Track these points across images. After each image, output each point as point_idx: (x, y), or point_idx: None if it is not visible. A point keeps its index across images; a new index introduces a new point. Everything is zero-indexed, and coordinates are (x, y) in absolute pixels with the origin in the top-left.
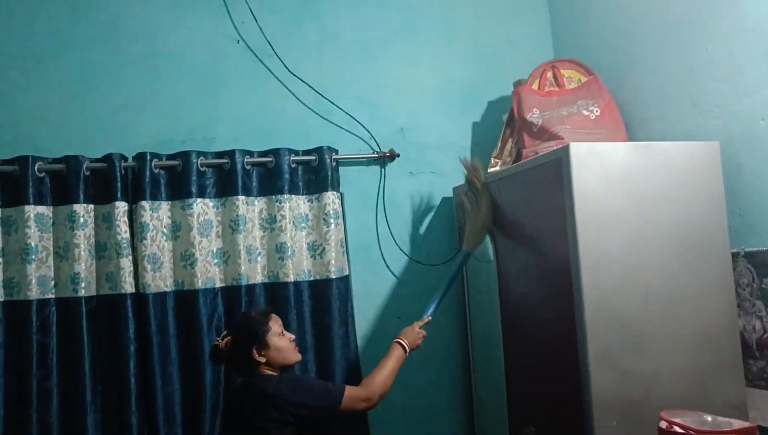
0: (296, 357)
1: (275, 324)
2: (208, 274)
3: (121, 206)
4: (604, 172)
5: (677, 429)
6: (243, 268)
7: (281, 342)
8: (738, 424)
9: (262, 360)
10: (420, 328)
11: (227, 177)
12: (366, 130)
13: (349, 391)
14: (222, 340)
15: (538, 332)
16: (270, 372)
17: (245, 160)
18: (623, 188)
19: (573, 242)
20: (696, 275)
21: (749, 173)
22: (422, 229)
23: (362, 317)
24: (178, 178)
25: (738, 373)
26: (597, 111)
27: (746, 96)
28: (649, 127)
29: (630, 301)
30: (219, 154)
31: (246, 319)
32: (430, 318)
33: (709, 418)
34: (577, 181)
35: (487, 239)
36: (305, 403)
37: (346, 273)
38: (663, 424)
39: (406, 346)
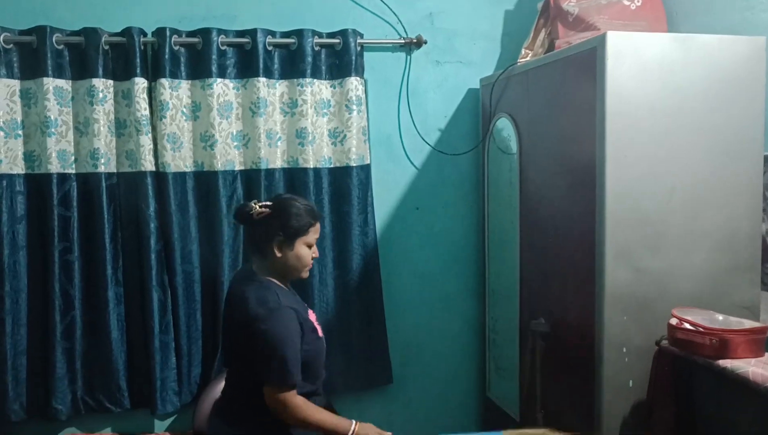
0: (303, 275)
1: (314, 233)
2: (228, 156)
3: (141, 83)
4: (640, 64)
5: (687, 326)
6: (263, 152)
7: (304, 252)
8: (748, 324)
9: (278, 255)
10: None
11: (248, 57)
12: (393, 13)
13: (289, 392)
14: (259, 207)
15: (555, 226)
16: (273, 279)
17: (267, 40)
18: (658, 83)
19: (600, 136)
20: (724, 176)
21: None
22: (446, 121)
23: (381, 206)
24: (198, 57)
25: (755, 276)
26: (638, 1)
27: None
28: (692, 20)
29: (654, 198)
30: (240, 33)
31: (294, 208)
32: None
33: (720, 317)
34: (611, 73)
35: (512, 130)
36: (261, 356)
37: (368, 162)
38: (674, 321)
39: (353, 431)
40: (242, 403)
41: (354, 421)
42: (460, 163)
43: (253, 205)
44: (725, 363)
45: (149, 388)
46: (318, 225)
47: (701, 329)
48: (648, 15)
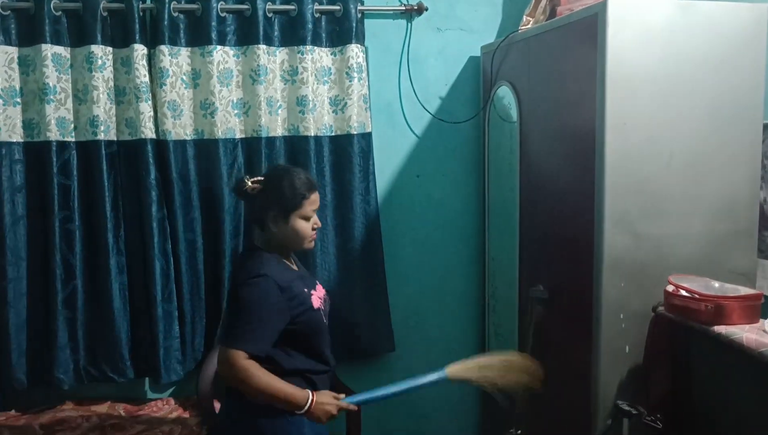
0: (306, 246)
1: (310, 205)
2: (228, 124)
3: (140, 49)
4: (642, 31)
5: (683, 293)
6: (263, 120)
7: (301, 225)
8: (744, 290)
9: (274, 230)
10: (339, 410)
11: (248, 24)
12: None
13: (237, 352)
14: (251, 182)
15: (555, 193)
16: (272, 251)
17: (267, 6)
18: (660, 49)
19: (600, 103)
20: (723, 143)
21: None
22: (447, 88)
23: (382, 174)
24: (198, 23)
25: (752, 243)
26: None
27: None
28: None
29: (653, 164)
30: (240, 0)
31: (287, 181)
32: (355, 408)
33: (716, 284)
34: (612, 39)
35: (512, 98)
36: (229, 319)
37: (369, 129)
38: (670, 288)
39: (309, 403)
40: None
41: (310, 393)
42: (461, 131)
43: (245, 180)
44: (720, 329)
45: (153, 357)
46: (314, 196)
47: (697, 296)
48: None
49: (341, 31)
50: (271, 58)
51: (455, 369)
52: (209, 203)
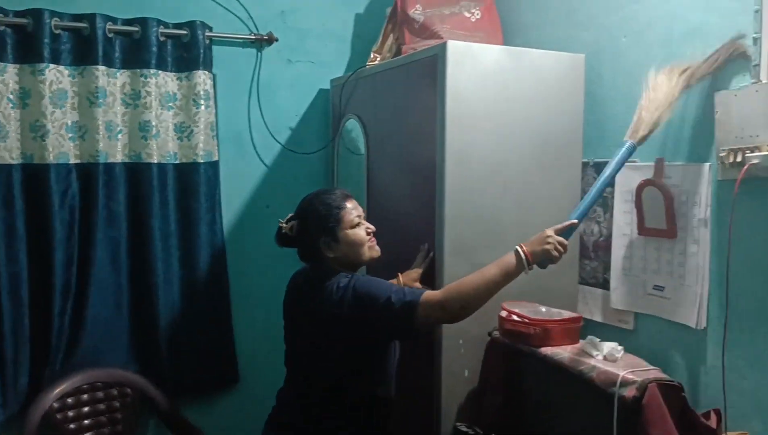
0: (372, 254)
1: (349, 214)
2: (62, 148)
3: None
4: (477, 73)
5: (515, 317)
6: (101, 145)
7: (352, 235)
8: (567, 314)
9: (330, 255)
10: (559, 232)
11: (86, 43)
12: (244, 8)
13: (426, 293)
14: (286, 223)
15: (400, 224)
16: (340, 268)
17: (107, 26)
18: (493, 91)
19: (441, 138)
20: (550, 179)
21: (609, 87)
22: (297, 119)
23: (230, 204)
24: (29, 39)
25: (573, 271)
26: (478, 14)
27: (614, 11)
28: (525, 34)
29: (489, 197)
30: (77, 17)
31: (316, 204)
32: (575, 222)
33: (543, 309)
34: (451, 79)
35: (360, 131)
36: (374, 308)
37: (216, 158)
38: (503, 313)
39: (522, 253)
40: (319, 405)
41: (516, 250)
42: (311, 162)
43: (281, 224)
44: (546, 350)
45: None
46: (351, 203)
47: (526, 320)
48: (486, 26)
49: (188, 56)
50: (111, 80)
51: (634, 131)
52: (38, 233)
